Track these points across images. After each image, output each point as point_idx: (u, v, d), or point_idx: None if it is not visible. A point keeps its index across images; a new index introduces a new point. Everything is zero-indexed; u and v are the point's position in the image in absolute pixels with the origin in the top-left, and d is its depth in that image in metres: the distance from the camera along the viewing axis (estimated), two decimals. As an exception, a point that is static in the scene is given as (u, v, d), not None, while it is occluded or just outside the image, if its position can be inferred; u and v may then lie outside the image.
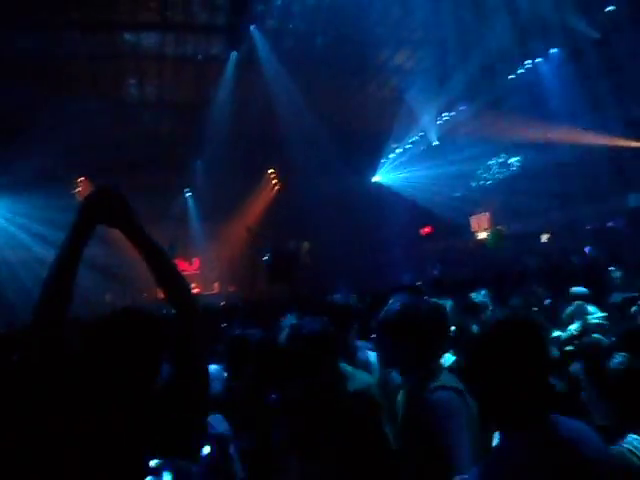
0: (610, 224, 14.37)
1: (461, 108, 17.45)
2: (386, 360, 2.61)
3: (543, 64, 15.33)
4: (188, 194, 21.38)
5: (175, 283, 1.86)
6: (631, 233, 13.14)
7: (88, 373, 1.68)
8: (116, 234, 1.85)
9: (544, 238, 16.38)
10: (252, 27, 13.64)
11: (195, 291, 20.89)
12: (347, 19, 14.04)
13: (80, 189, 18.35)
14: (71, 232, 1.74)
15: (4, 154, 13.59)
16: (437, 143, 18.64)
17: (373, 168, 21.56)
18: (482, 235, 17.61)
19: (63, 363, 1.66)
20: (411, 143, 19.89)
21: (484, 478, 1.48)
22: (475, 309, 4.91)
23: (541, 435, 1.46)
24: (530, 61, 15.44)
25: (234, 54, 14.91)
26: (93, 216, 1.77)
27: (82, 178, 18.27)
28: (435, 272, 16.77)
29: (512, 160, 17.46)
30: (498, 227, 16.25)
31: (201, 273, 22.57)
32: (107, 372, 1.67)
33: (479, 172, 18.24)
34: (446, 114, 17.99)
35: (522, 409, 1.50)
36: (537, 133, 15.34)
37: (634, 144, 13.45)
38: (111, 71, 14.94)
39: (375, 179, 21.38)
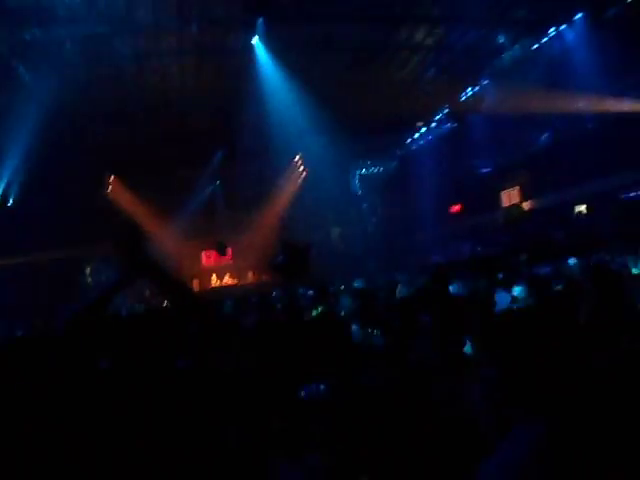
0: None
1: (484, 82, 17.09)
2: None
3: (568, 31, 14.84)
4: (217, 185, 21.68)
5: (185, 303, 2.14)
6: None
7: None
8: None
9: (581, 210, 15.99)
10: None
11: (230, 282, 21.32)
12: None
13: (111, 188, 18.90)
14: (112, 287, 2.06)
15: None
16: (462, 120, 18.32)
17: (399, 148, 21.38)
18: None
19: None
20: (436, 121, 19.62)
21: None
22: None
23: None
24: (554, 29, 14.97)
25: (256, 42, 14.86)
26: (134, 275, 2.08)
27: (112, 177, 18.80)
28: (465, 250, 16.61)
29: (541, 132, 17.05)
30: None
31: (235, 263, 22.87)
32: None
33: (507, 146, 17.87)
34: (470, 89, 17.65)
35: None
36: (565, 103, 14.90)
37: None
38: (132, 69, 15.13)
39: (401, 159, 21.20)
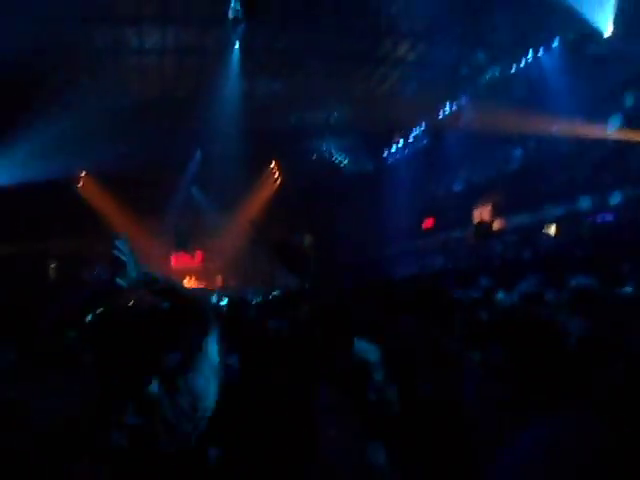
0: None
1: (463, 100, 17.35)
2: None
3: (545, 56, 15.18)
4: (192, 187, 21.43)
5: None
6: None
7: None
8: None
9: (550, 230, 16.26)
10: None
11: (195, 285, 21.02)
12: (349, 9, 14.01)
13: (81, 184, 18.56)
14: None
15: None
16: (440, 136, 18.54)
17: (376, 161, 21.51)
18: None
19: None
20: (414, 136, 19.83)
21: None
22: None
23: None
24: (532, 52, 15.31)
25: (236, 45, 14.77)
26: None
27: (84, 173, 18.47)
28: (436, 265, 16.76)
29: (515, 152, 17.37)
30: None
31: (204, 267, 22.62)
32: None
33: (482, 164, 18.15)
34: (448, 106, 17.90)
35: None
36: (539, 125, 15.22)
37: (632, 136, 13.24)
38: (112, 65, 14.89)
39: (377, 173, 21.32)
